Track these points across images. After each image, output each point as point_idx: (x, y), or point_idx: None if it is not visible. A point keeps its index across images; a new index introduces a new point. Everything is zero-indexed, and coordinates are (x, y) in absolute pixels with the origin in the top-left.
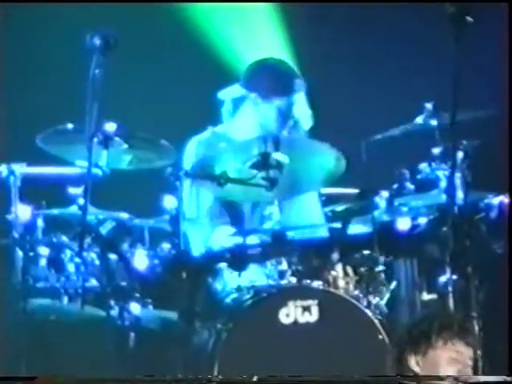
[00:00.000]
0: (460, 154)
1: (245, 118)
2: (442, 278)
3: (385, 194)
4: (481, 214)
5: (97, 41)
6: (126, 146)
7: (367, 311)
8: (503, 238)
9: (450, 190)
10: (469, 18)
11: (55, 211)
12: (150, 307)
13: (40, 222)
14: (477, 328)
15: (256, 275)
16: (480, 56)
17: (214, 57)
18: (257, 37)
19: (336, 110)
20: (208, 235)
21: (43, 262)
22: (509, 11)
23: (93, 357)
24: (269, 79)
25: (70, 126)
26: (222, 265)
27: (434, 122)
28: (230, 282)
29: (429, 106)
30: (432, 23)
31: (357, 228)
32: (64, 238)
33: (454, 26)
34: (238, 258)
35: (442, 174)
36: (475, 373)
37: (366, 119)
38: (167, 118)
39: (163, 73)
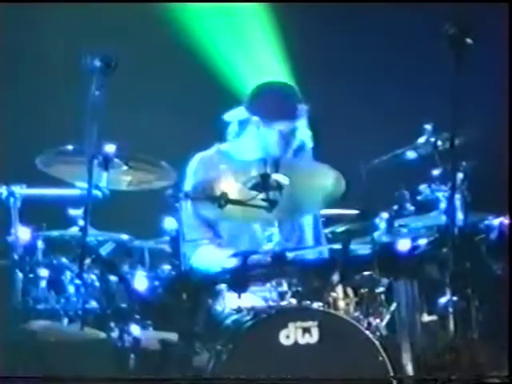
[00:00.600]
0: (460, 175)
1: (248, 140)
2: (442, 300)
3: (385, 215)
4: (481, 235)
5: (97, 62)
6: (125, 167)
7: (367, 332)
8: (503, 260)
9: (450, 211)
10: (468, 40)
11: (55, 233)
12: (150, 328)
13: (40, 244)
14: (477, 349)
15: (256, 296)
16: (480, 78)
17: (218, 77)
18: (258, 55)
19: (336, 131)
20: (207, 256)
21: (43, 283)
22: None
23: (93, 378)
24: (272, 103)
25: (69, 147)
26: (222, 286)
27: (433, 144)
28: (230, 303)
29: (428, 127)
30: (432, 44)
31: (357, 249)
32: (64, 260)
33: (454, 48)
34: (238, 280)
35: (442, 195)
36: None
37: (366, 140)
38: (168, 140)
39: (164, 94)
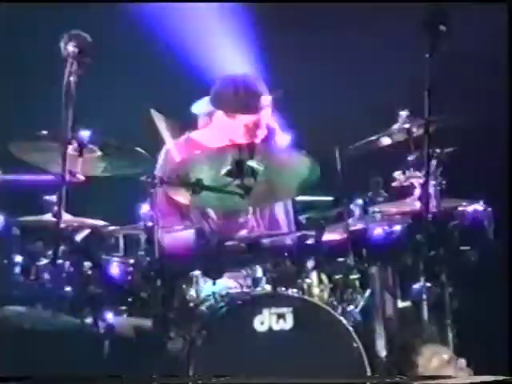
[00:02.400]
0: (434, 162)
1: (215, 131)
2: (416, 286)
3: (359, 201)
4: (455, 221)
5: (71, 47)
6: (100, 153)
7: (342, 319)
8: (477, 246)
9: (424, 198)
10: (442, 27)
11: (30, 219)
12: (125, 315)
13: (15, 230)
14: (451, 335)
15: (231, 283)
16: (455, 63)
17: (190, 64)
18: (227, 44)
19: (311, 118)
20: (182, 243)
21: (17, 269)
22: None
23: (67, 364)
24: (234, 97)
25: (44, 133)
26: (197, 272)
27: (407, 130)
28: (204, 289)
29: (403, 113)
30: (407, 30)
31: (331, 236)
32: (39, 246)
33: (428, 34)
34: (213, 266)
35: (416, 181)
36: None
37: (340, 127)
38: (142, 126)
39: (139, 81)
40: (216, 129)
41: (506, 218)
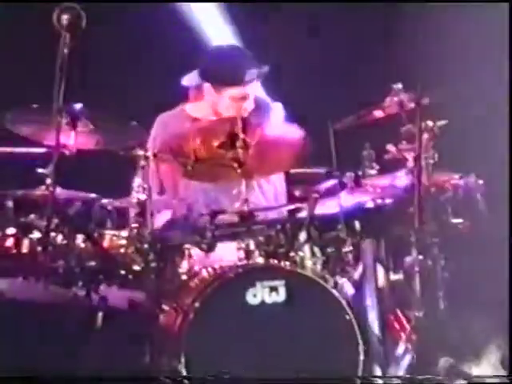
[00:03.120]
0: (426, 135)
1: (205, 103)
2: (408, 259)
3: (352, 174)
4: (447, 194)
5: (64, 19)
6: (92, 127)
7: (334, 291)
8: (468, 219)
9: (417, 171)
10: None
11: (23, 192)
12: (118, 287)
13: (8, 203)
14: (442, 306)
15: (223, 256)
16: (449, 39)
17: (182, 35)
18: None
19: (304, 91)
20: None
21: (10, 240)
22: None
23: (61, 336)
24: (220, 69)
25: (36, 106)
26: (189, 245)
27: (400, 103)
28: (197, 262)
29: (396, 87)
30: (400, 5)
31: (324, 209)
32: (32, 218)
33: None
34: (206, 238)
35: (409, 154)
36: None
37: (333, 100)
38: (135, 99)
39: (132, 54)
40: (206, 102)
41: (498, 190)
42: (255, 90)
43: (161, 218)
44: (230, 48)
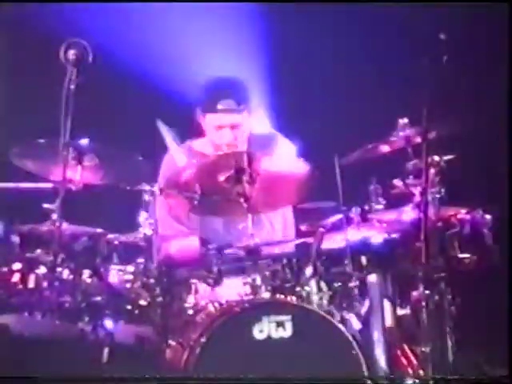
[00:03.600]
0: (433, 170)
1: (207, 138)
2: (415, 293)
3: (358, 209)
4: (453, 229)
5: (71, 55)
6: (98, 161)
7: (341, 326)
8: (476, 254)
9: (423, 206)
10: (442, 36)
11: (29, 227)
12: (124, 322)
13: (14, 238)
14: (450, 343)
15: (230, 290)
16: (457, 72)
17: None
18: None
19: (310, 126)
20: (181, 250)
21: (17, 277)
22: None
23: (67, 372)
24: (208, 96)
25: (43, 140)
26: (196, 280)
27: (407, 138)
28: (203, 296)
29: (402, 121)
30: (406, 40)
31: (330, 243)
32: (38, 253)
33: (428, 45)
34: (212, 273)
35: (415, 189)
36: None
37: (340, 135)
38: (143, 135)
39: (140, 91)
40: (207, 137)
41: (505, 226)
42: (249, 119)
43: (167, 253)
44: (225, 79)
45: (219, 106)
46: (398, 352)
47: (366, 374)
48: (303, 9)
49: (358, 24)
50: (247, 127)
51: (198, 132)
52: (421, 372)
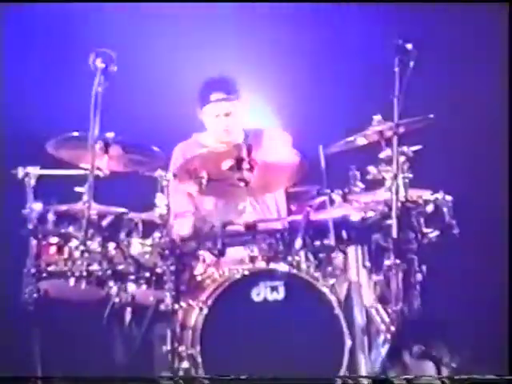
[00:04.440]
0: (402, 158)
1: (210, 132)
2: (387, 262)
3: (340, 191)
4: (419, 208)
5: (99, 63)
6: (122, 152)
7: (325, 290)
8: (437, 228)
9: (394, 189)
10: (409, 47)
11: (64, 207)
12: (144, 287)
13: (51, 216)
14: (416, 304)
15: (232, 260)
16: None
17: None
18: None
19: (301, 121)
20: (190, 226)
21: (53, 248)
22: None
23: (95, 329)
24: (203, 92)
25: (75, 134)
26: (203, 250)
27: (380, 132)
28: (210, 265)
29: (376, 118)
30: (381, 44)
31: (317, 218)
32: (71, 229)
33: (398, 54)
34: (217, 245)
35: (387, 174)
36: None
37: (324, 129)
38: (158, 129)
39: (153, 90)
40: (208, 128)
41: (465, 203)
42: (238, 108)
43: (180, 228)
44: (215, 77)
45: (212, 98)
46: (373, 311)
47: (345, 331)
48: (285, 6)
49: (344, 24)
50: (240, 115)
51: (202, 127)
52: (392, 328)
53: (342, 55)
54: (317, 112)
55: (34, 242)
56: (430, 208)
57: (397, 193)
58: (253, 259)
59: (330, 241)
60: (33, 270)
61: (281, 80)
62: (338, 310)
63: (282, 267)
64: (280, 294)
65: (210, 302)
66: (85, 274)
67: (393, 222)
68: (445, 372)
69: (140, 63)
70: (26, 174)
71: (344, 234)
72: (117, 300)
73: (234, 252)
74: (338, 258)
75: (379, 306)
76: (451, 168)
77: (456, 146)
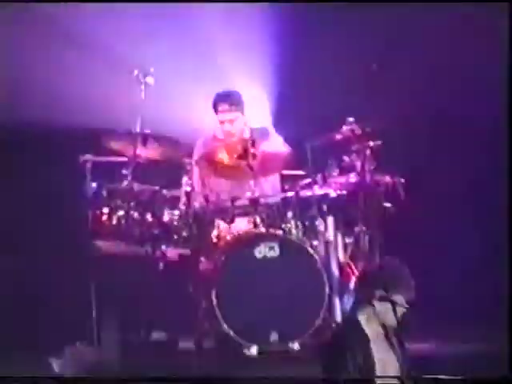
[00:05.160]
0: (368, 151)
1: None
2: (357, 229)
3: (321, 175)
4: (381, 188)
5: (141, 77)
6: (156, 144)
7: (310, 250)
8: (393, 203)
9: (362, 174)
10: (373, 67)
11: (113, 185)
12: (173, 246)
13: (104, 192)
14: (378, 259)
15: (240, 226)
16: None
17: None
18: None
19: (290, 119)
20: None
21: (105, 216)
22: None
23: (137, 278)
24: (215, 101)
25: (122, 130)
26: (218, 219)
27: (352, 130)
28: (223, 231)
29: (349, 119)
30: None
31: (304, 195)
32: (118, 202)
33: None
34: (228, 215)
35: (358, 163)
36: None
37: (309, 127)
38: (184, 126)
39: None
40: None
41: (415, 185)
42: (240, 117)
43: (201, 202)
44: (225, 91)
45: (219, 108)
46: (347, 267)
47: (325, 280)
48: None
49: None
50: (241, 121)
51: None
52: (359, 279)
53: (329, 62)
54: (304, 114)
55: (90, 212)
56: (389, 189)
57: (364, 177)
58: (255, 226)
59: (314, 212)
60: (90, 233)
61: (277, 86)
62: (319, 265)
63: (278, 232)
64: (276, 253)
65: (223, 259)
66: (128, 236)
67: (361, 197)
68: (400, 311)
69: (172, 73)
70: (86, 161)
71: (324, 207)
72: (152, 256)
73: (241, 220)
74: (319, 225)
75: (351, 263)
76: (407, 158)
77: (413, 142)
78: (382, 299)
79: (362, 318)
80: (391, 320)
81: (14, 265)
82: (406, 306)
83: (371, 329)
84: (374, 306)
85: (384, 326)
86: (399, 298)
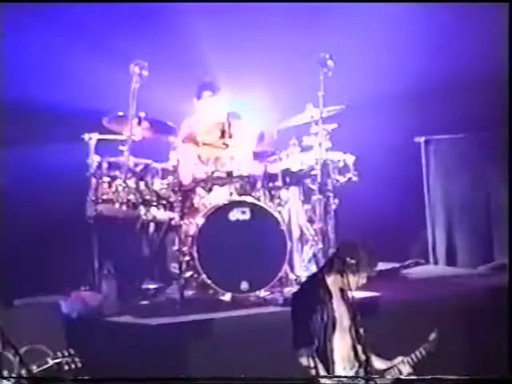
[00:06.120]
0: (324, 133)
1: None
2: (314, 197)
3: (284, 151)
4: (334, 164)
5: (137, 70)
6: (149, 125)
7: (276, 214)
8: (345, 176)
9: (319, 153)
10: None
11: (112, 158)
12: (162, 209)
13: (104, 164)
14: (332, 222)
15: (217, 194)
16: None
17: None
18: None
19: (262, 106)
20: (192, 171)
21: (105, 184)
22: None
23: (132, 236)
24: (203, 92)
25: (120, 113)
26: (199, 188)
27: (311, 116)
28: (204, 197)
29: (308, 105)
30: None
31: (271, 169)
32: (117, 173)
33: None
34: (207, 184)
35: (315, 143)
36: None
37: (278, 112)
38: (172, 111)
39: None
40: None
41: (364, 163)
42: (218, 104)
43: (186, 172)
44: (208, 82)
45: (203, 95)
46: (304, 227)
47: (287, 240)
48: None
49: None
50: (220, 105)
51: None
52: (316, 238)
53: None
54: (272, 102)
55: (93, 180)
56: (341, 164)
57: (321, 154)
58: (230, 194)
59: (279, 183)
60: (93, 198)
61: (249, 77)
62: (283, 226)
63: (249, 199)
64: (247, 216)
65: (203, 221)
66: (125, 201)
67: (318, 172)
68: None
69: (166, 68)
70: (90, 138)
71: (287, 179)
72: (144, 218)
73: (219, 189)
74: (283, 194)
75: (308, 225)
76: (358, 135)
77: (365, 124)
78: (350, 270)
79: (329, 279)
80: (352, 285)
81: (30, 221)
82: (353, 261)
83: (334, 288)
84: (342, 273)
85: (342, 290)
86: (363, 272)
